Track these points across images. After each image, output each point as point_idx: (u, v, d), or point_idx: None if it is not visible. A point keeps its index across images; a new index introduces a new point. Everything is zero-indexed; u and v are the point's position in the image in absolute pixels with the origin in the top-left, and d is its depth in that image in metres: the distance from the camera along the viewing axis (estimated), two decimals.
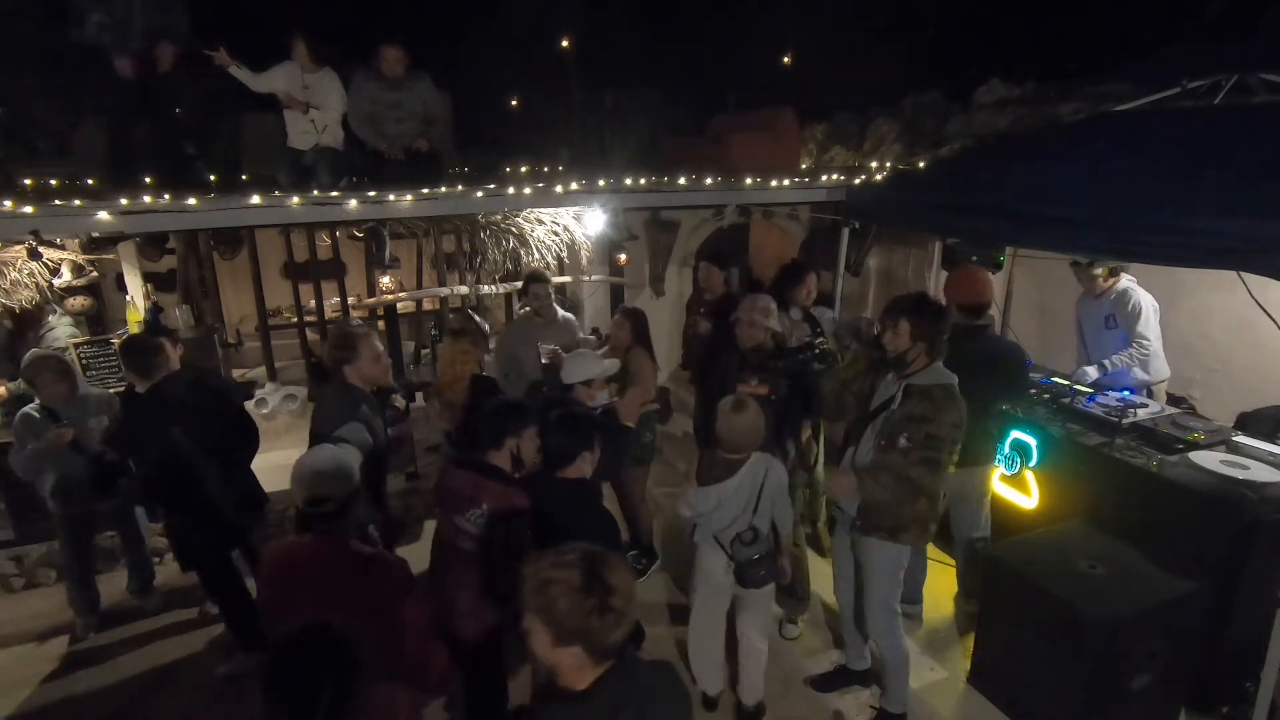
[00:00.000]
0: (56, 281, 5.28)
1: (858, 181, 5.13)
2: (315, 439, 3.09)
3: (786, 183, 5.23)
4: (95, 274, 5.70)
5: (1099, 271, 4.12)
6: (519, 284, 6.39)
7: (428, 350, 6.21)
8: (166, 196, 3.94)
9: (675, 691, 1.74)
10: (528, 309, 4.57)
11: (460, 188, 4.70)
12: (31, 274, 4.84)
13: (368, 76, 4.80)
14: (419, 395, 5.92)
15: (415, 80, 4.91)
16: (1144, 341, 4.07)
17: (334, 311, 6.97)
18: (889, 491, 2.84)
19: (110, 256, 5.78)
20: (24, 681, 3.68)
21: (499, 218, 5.70)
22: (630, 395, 3.93)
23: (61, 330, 5.30)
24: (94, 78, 4.55)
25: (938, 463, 2.79)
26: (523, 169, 6.11)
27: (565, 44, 9.18)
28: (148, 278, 6.23)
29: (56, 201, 3.88)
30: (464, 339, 4.28)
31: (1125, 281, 4.15)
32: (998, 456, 3.75)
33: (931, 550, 4.12)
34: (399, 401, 4.03)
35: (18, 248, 4.48)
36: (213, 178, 4.83)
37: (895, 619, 3.13)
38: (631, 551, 4.55)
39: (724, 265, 5.04)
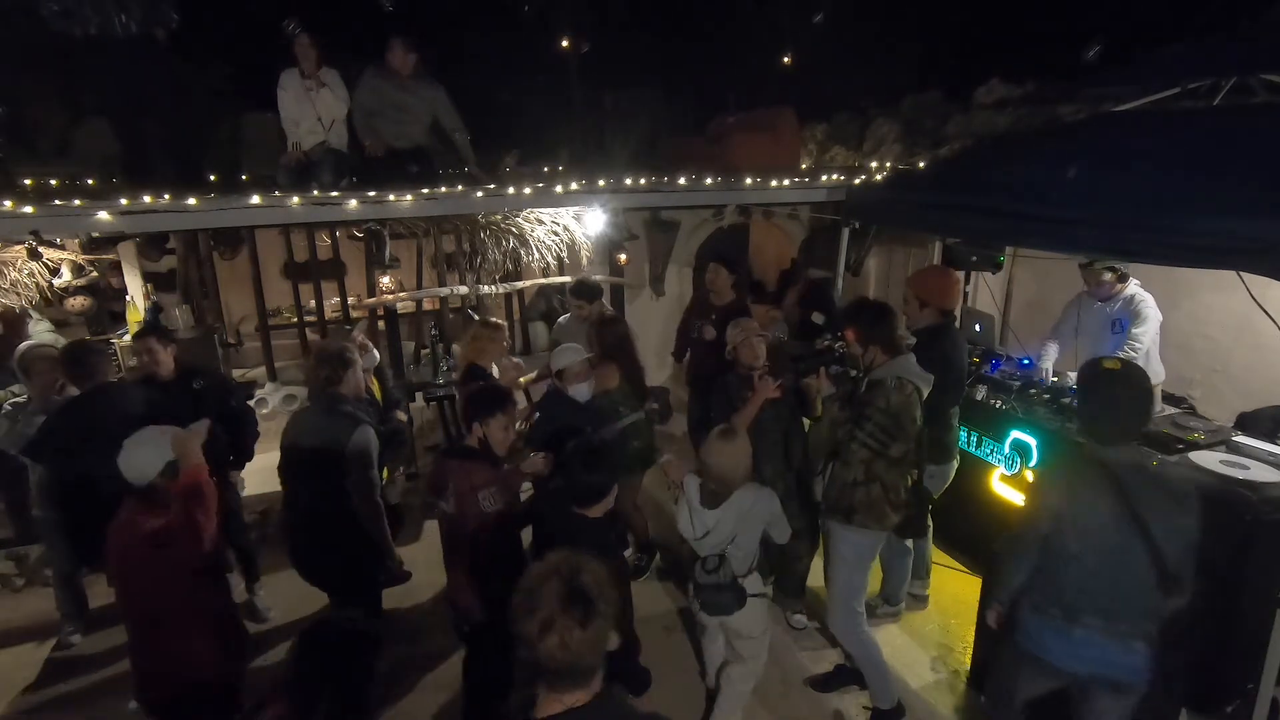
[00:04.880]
0: (56, 281, 5.26)
1: (858, 181, 5.13)
2: (296, 452, 3.08)
3: (786, 183, 5.24)
4: (95, 274, 5.69)
5: (1108, 276, 4.11)
6: (519, 284, 6.42)
7: (427, 350, 6.20)
8: (166, 196, 3.94)
9: None
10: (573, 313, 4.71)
11: (460, 188, 4.71)
12: (32, 274, 4.84)
13: (376, 73, 4.82)
14: (419, 395, 5.92)
15: (426, 86, 4.92)
16: (1135, 345, 4.06)
17: (334, 311, 6.98)
18: (849, 470, 3.02)
19: (110, 257, 5.78)
20: (24, 681, 3.68)
21: (499, 218, 5.70)
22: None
23: (45, 338, 5.21)
24: (97, 76, 4.53)
25: (877, 447, 2.94)
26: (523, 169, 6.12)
27: (565, 44, 9.19)
28: (148, 278, 6.23)
29: (56, 201, 3.88)
30: (483, 329, 4.35)
31: (1133, 286, 4.13)
32: (954, 457, 3.77)
33: (935, 554, 4.15)
34: (401, 416, 4.04)
35: (18, 248, 4.48)
36: (212, 177, 4.84)
37: (856, 618, 3.17)
38: (626, 550, 4.57)
39: (733, 268, 4.88)
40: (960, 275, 3.94)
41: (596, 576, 1.54)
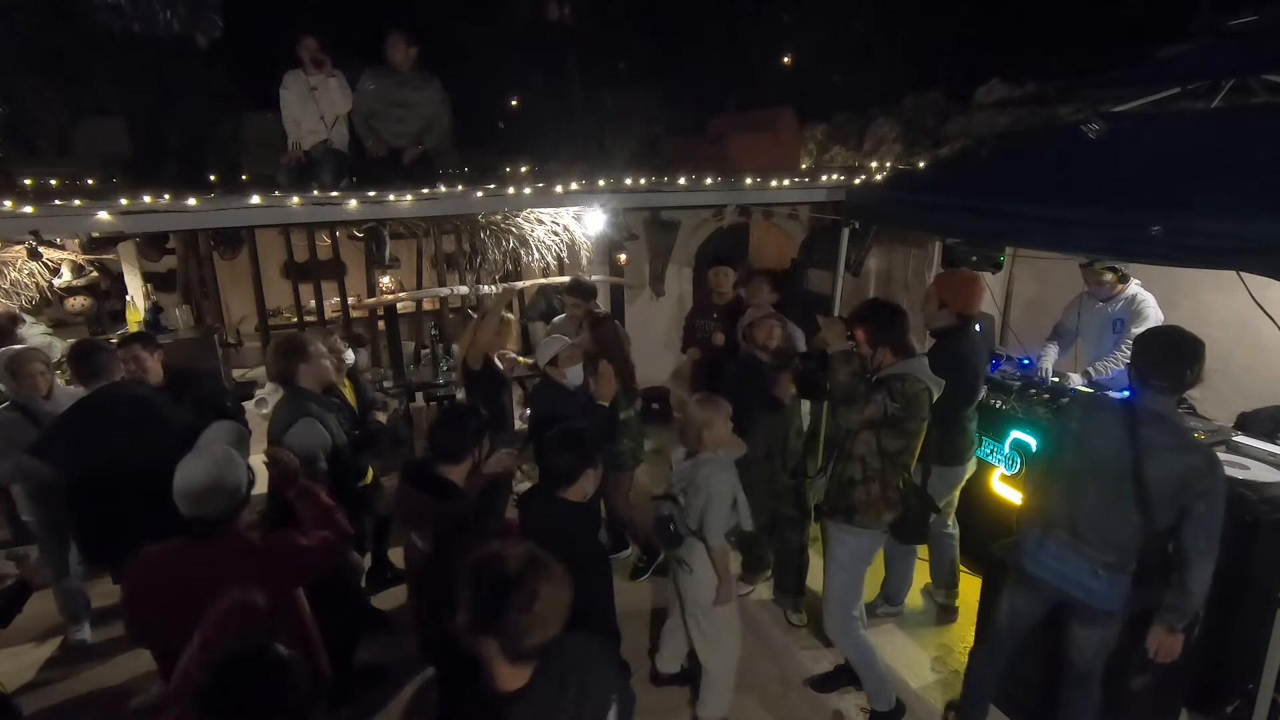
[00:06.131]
0: (56, 281, 5.26)
1: (858, 181, 5.13)
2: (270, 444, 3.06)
3: (786, 183, 5.23)
4: (95, 274, 5.69)
5: (1109, 277, 4.11)
6: (519, 284, 6.42)
7: (427, 350, 6.20)
8: (166, 196, 3.94)
9: (602, 657, 1.79)
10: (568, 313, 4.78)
11: (460, 188, 4.71)
12: (32, 274, 4.84)
13: (375, 74, 4.82)
14: (419, 395, 5.92)
15: (426, 81, 4.92)
16: (1130, 344, 4.06)
17: (334, 311, 6.97)
18: (848, 467, 3.04)
19: (110, 257, 5.78)
20: (25, 681, 3.68)
21: (499, 218, 5.70)
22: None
23: (38, 340, 5.01)
24: (104, 74, 4.51)
25: (883, 448, 2.97)
26: (523, 169, 6.11)
27: (567, 44, 9.16)
28: (148, 278, 6.23)
29: (56, 201, 3.88)
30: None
31: (1134, 286, 4.13)
32: (974, 458, 3.75)
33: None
34: (380, 417, 4.04)
35: (18, 248, 4.48)
36: (213, 177, 4.84)
37: (851, 622, 3.18)
38: (627, 551, 4.59)
39: (736, 269, 5.13)
40: (984, 282, 3.94)
41: (543, 561, 1.61)
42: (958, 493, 3.77)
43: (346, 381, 4.10)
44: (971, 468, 3.72)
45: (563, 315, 5.02)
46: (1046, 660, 2.92)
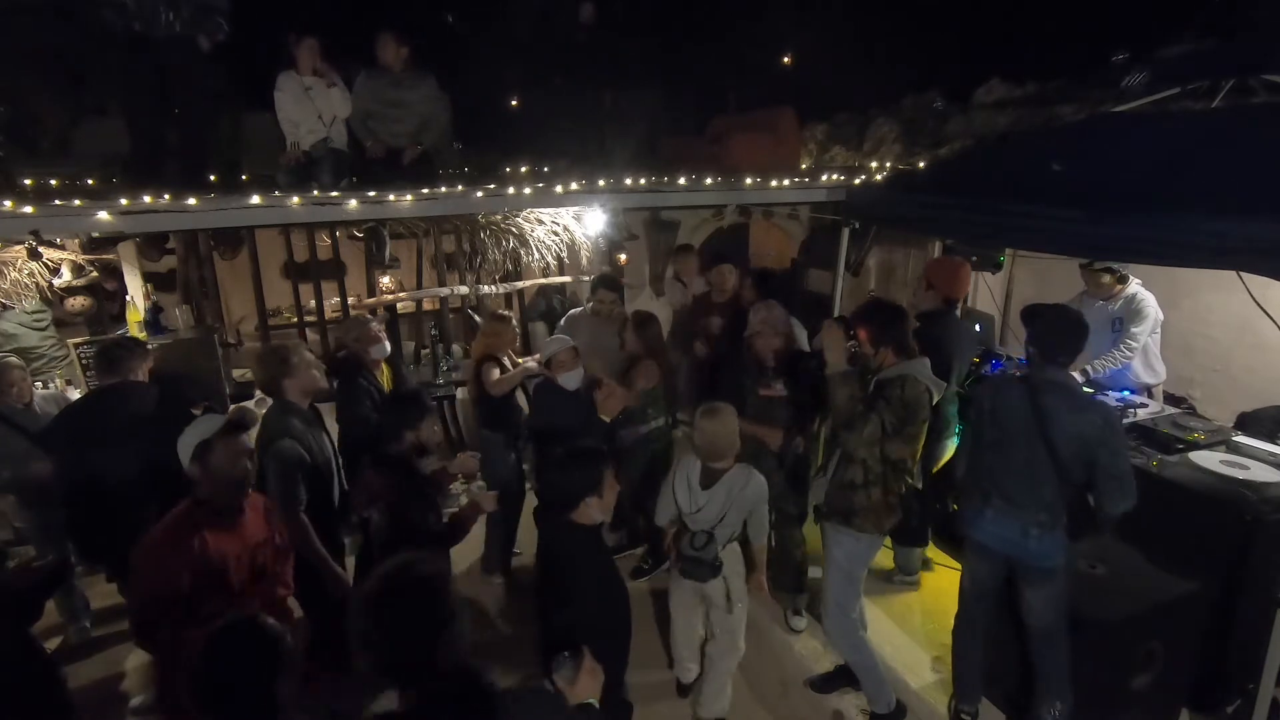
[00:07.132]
0: (56, 281, 5.26)
1: (858, 181, 5.13)
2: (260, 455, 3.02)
3: (786, 183, 5.23)
4: (95, 274, 5.69)
5: (1107, 279, 4.11)
6: (519, 284, 6.42)
7: (427, 350, 6.21)
8: (166, 196, 3.94)
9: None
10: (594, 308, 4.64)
11: (460, 188, 4.71)
12: (32, 274, 4.84)
13: (369, 75, 4.82)
14: None
15: (419, 80, 4.91)
16: (1131, 342, 4.07)
17: (334, 311, 6.97)
18: (850, 471, 3.04)
19: (109, 257, 5.78)
20: None
21: (499, 218, 5.70)
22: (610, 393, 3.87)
23: (9, 328, 5.06)
24: (106, 72, 4.50)
25: (884, 454, 2.97)
26: (523, 169, 6.11)
27: (568, 44, 9.17)
28: (148, 278, 6.22)
29: (56, 201, 3.88)
30: (493, 323, 4.36)
31: (1134, 286, 4.13)
32: (951, 442, 3.77)
33: (935, 554, 4.14)
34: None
35: (18, 248, 4.48)
36: (213, 177, 4.83)
37: (850, 624, 3.19)
38: (628, 549, 4.58)
39: (736, 266, 5.09)
40: (970, 270, 4.01)
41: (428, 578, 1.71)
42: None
43: (386, 368, 4.11)
44: (947, 449, 3.73)
45: (580, 309, 4.91)
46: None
